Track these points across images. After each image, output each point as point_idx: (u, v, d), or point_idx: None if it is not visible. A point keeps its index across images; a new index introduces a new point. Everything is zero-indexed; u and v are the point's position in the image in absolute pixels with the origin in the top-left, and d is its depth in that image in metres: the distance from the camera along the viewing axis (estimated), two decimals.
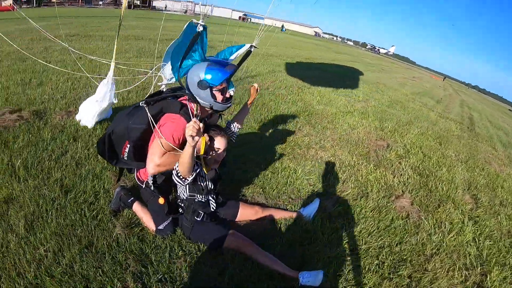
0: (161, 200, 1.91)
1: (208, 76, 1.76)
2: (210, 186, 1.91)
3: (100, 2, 41.25)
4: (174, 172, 1.69)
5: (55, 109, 3.56)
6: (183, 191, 1.92)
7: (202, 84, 1.76)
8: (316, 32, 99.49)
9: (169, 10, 47.32)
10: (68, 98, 3.95)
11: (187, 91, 1.86)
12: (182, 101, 1.87)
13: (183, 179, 1.69)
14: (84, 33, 10.00)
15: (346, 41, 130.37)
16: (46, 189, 2.19)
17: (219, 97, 1.83)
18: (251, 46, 1.95)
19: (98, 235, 1.90)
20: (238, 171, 2.95)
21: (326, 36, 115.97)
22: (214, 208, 1.99)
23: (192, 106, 1.85)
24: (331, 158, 3.78)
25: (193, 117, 1.73)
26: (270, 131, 4.27)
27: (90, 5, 37.56)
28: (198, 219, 1.95)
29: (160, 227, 1.99)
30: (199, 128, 1.46)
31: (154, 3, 49.87)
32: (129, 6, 40.52)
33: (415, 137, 5.59)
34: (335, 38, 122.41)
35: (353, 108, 6.72)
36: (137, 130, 1.85)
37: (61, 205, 2.08)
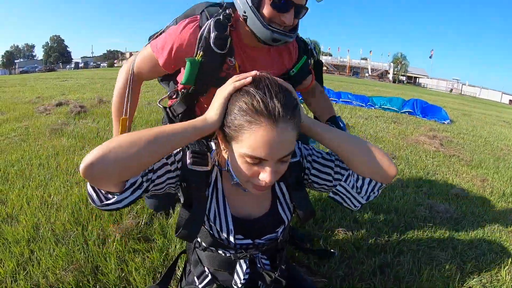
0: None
1: None
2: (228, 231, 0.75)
3: (366, 74, 47.91)
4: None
5: None
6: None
7: None
8: None
9: (431, 88, 45.97)
10: None
11: None
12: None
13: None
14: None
15: None
16: None
17: (269, 9, 0.84)
18: None
19: None
20: None
21: None
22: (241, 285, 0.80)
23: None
24: None
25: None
26: None
27: (357, 76, 44.60)
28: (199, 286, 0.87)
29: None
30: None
31: (420, 80, 51.23)
32: (393, 81, 44.03)
33: None
34: None
35: None
36: None
37: None
